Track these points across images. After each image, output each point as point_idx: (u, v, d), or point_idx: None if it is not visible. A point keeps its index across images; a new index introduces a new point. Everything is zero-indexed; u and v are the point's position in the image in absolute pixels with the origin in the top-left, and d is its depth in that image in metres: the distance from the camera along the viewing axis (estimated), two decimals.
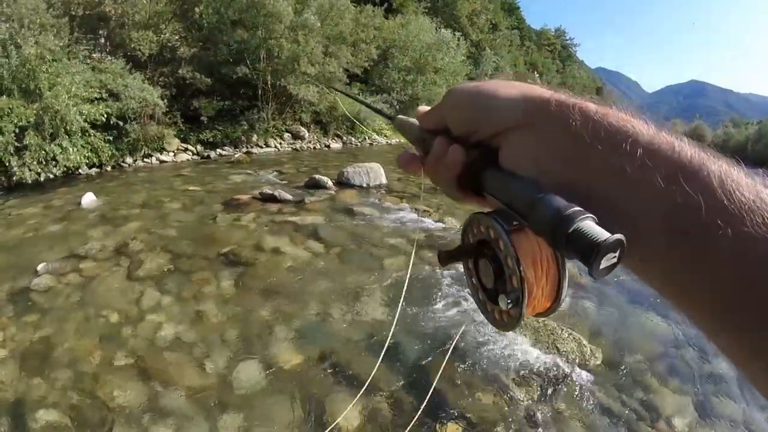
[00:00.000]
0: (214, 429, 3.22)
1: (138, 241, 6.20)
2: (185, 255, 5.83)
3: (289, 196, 8.70)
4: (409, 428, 3.32)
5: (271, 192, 8.67)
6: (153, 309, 4.59)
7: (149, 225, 6.90)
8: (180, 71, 15.51)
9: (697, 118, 59.33)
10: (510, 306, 0.44)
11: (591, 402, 3.81)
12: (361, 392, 3.36)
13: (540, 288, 0.45)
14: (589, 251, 0.34)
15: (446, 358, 4.11)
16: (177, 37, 16.51)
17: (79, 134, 10.04)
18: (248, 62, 17.12)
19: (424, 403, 3.53)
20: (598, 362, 4.32)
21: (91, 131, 10.40)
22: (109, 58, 13.35)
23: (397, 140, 25.08)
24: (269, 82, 17.70)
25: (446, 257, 0.49)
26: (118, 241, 6.17)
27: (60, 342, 3.99)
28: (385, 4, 30.95)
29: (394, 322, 4.03)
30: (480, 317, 4.85)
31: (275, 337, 4.27)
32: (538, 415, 3.63)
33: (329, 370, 3.90)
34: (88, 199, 8.11)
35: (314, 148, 18.60)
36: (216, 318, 4.50)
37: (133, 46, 14.21)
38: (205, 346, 4.06)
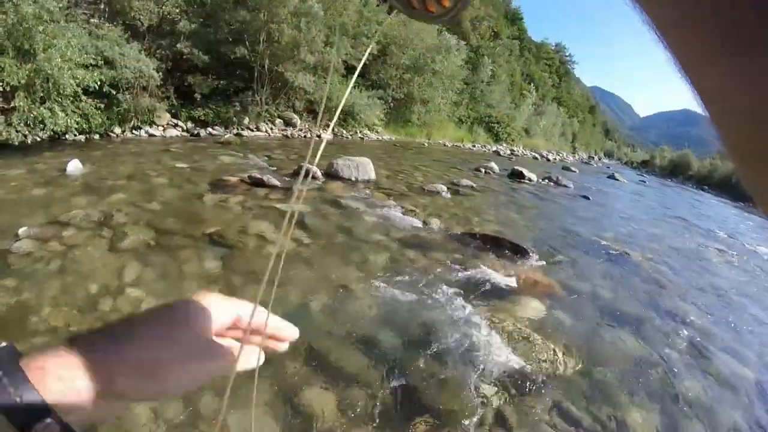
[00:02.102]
0: (192, 411, 3.19)
1: (122, 213, 6.14)
2: (170, 231, 5.79)
3: (277, 183, 8.68)
4: (379, 422, 3.36)
5: (259, 176, 8.64)
6: (134, 283, 4.54)
7: (135, 198, 6.84)
8: (178, 45, 15.37)
9: (685, 146, 60.14)
10: None
11: (561, 411, 3.85)
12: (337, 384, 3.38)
13: None
14: None
15: (423, 356, 4.17)
16: (178, 11, 16.29)
17: (71, 99, 9.86)
18: (247, 43, 17.01)
19: (397, 399, 3.61)
20: (571, 374, 4.39)
21: (83, 97, 10.24)
22: (108, 24, 13.15)
23: (389, 136, 25.08)
24: (266, 66, 17.60)
25: None
26: (103, 212, 6.10)
27: (38, 309, 3.91)
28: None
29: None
30: (462, 316, 4.91)
31: None
32: (508, 419, 3.66)
33: (308, 360, 3.90)
34: (74, 166, 7.99)
35: (305, 136, 18.52)
36: None
37: (132, 15, 14.04)
38: None
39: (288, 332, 0.72)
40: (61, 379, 0.44)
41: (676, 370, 4.83)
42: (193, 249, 5.41)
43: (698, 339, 5.64)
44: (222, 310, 0.68)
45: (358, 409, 3.48)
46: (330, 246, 6.28)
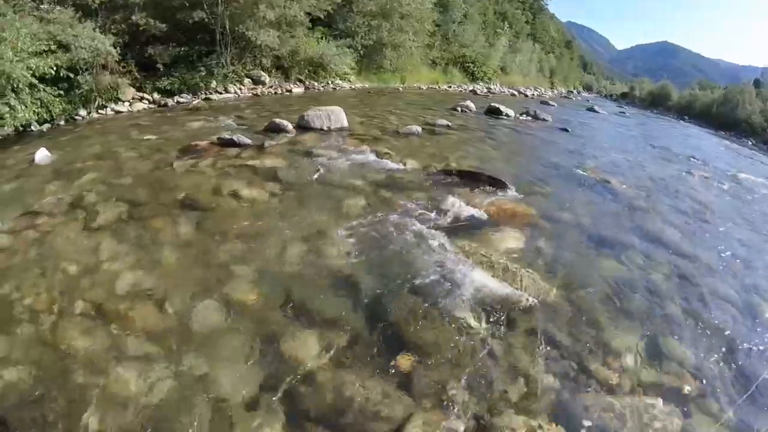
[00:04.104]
0: (176, 370, 3.29)
1: (94, 192, 6.09)
2: (142, 203, 5.79)
3: (248, 141, 8.61)
4: (362, 362, 3.48)
5: (229, 137, 8.57)
6: (111, 258, 4.58)
7: (105, 176, 6.77)
8: (133, 17, 14.85)
9: (664, 78, 59.14)
10: None
11: (543, 336, 3.95)
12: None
13: None
14: None
15: (403, 294, 4.28)
16: None
17: (27, 90, 9.61)
18: (205, 6, 16.51)
19: (379, 338, 3.73)
20: (552, 299, 4.48)
21: (40, 86, 9.96)
22: (57, 8, 12.68)
23: (362, 84, 24.70)
24: (228, 27, 17.14)
25: None
26: (74, 195, 6.05)
27: (19, 299, 3.94)
28: None
29: None
30: (441, 251, 5.00)
31: (234, 278, 4.33)
32: (492, 346, 3.76)
33: (288, 308, 4.00)
34: (42, 154, 7.87)
35: (276, 93, 18.23)
36: (174, 262, 4.53)
37: None
38: (164, 290, 4.10)
39: None
40: None
41: (658, 292, 4.92)
42: (167, 217, 5.43)
43: (680, 261, 5.72)
44: None
45: (340, 351, 3.58)
46: (304, 196, 6.31)
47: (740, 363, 4.03)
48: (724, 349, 4.15)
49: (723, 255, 6.13)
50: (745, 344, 4.27)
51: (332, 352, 3.56)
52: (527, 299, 4.34)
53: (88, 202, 5.81)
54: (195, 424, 2.91)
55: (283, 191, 6.39)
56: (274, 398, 3.12)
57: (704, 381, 3.74)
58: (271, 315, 3.90)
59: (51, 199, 5.91)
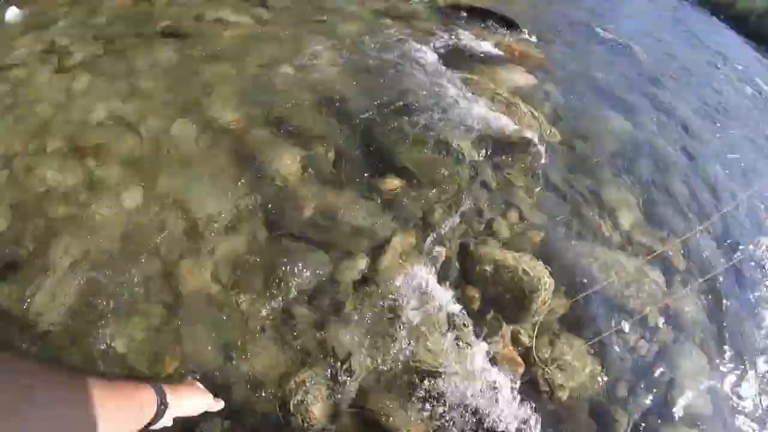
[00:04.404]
0: (151, 192, 3.10)
1: (66, 36, 5.53)
2: (118, 37, 5.28)
3: None
4: (347, 181, 3.36)
5: None
6: (84, 92, 4.22)
7: (79, 18, 6.10)
8: None
9: None
10: None
11: (540, 177, 3.78)
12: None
13: None
14: None
15: (397, 117, 4.01)
16: None
17: None
18: None
19: (367, 159, 3.57)
20: (554, 143, 4.24)
21: None
22: None
23: None
24: None
25: None
26: (46, 41, 5.50)
27: None
28: None
29: None
30: (441, 79, 4.67)
31: (215, 99, 3.99)
32: (485, 178, 3.60)
33: (271, 126, 3.74)
34: (11, 13, 7.16)
35: None
36: (151, 88, 4.15)
37: None
38: (140, 116, 3.77)
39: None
40: None
41: (662, 163, 4.63)
42: (145, 47, 4.95)
43: (691, 142, 5.28)
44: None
45: (324, 169, 3.44)
46: (295, 21, 5.75)
47: (729, 248, 3.89)
48: (717, 233, 4.00)
49: (736, 151, 5.58)
50: (737, 234, 4.08)
51: (315, 170, 3.40)
52: (529, 138, 4.07)
53: (60, 46, 5.30)
54: (170, 244, 2.79)
55: (273, 16, 5.82)
56: (253, 216, 3.02)
57: (692, 256, 3.64)
58: (252, 134, 3.65)
59: (22, 51, 5.39)
